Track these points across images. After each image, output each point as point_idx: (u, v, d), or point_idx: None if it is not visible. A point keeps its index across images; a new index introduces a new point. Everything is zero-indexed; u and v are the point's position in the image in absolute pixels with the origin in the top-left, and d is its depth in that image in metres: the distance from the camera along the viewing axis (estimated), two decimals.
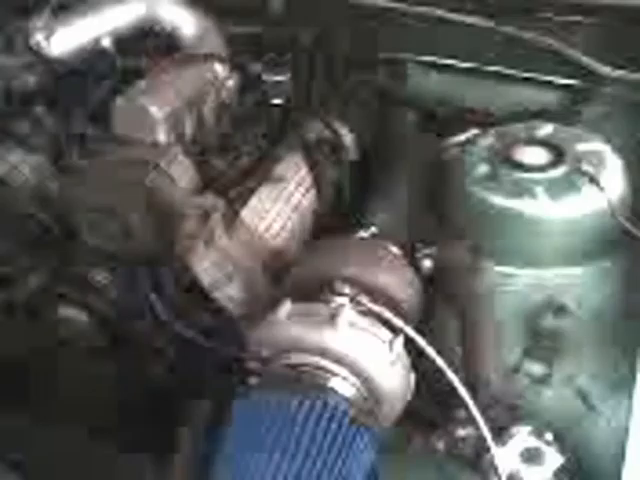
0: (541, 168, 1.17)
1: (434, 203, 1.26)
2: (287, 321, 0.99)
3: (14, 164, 1.30)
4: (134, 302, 1.24)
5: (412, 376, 1.00)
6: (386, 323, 1.00)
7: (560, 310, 1.08)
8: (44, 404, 1.22)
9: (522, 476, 0.92)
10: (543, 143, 1.21)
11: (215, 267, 1.21)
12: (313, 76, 1.49)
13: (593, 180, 1.14)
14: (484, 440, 0.90)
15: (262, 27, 1.62)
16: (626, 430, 0.89)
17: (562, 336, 1.07)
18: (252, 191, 1.27)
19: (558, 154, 1.19)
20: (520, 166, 1.18)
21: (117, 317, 1.26)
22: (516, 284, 1.14)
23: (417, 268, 1.12)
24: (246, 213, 1.24)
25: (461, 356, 1.05)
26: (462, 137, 1.39)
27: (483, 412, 0.91)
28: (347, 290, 1.03)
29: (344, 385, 0.95)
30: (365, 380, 0.95)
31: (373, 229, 1.15)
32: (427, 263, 1.12)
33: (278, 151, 1.35)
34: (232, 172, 1.31)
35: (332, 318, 0.97)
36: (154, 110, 1.28)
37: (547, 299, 1.11)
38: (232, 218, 1.24)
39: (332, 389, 0.94)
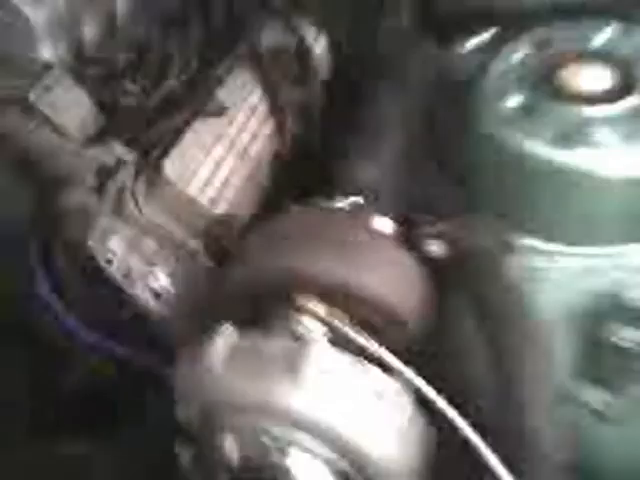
0: (604, 98, 0.79)
1: (438, 149, 0.88)
2: (224, 370, 0.63)
3: None
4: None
5: (425, 430, 0.66)
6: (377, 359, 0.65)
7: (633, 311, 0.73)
8: None
9: None
10: (606, 58, 0.82)
11: (126, 247, 0.84)
12: None
13: None
14: None
15: None
16: None
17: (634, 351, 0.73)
18: (179, 132, 0.88)
19: (628, 76, 0.80)
20: (572, 95, 0.79)
21: None
22: (564, 272, 0.79)
23: (421, 255, 0.76)
24: (170, 166, 0.85)
25: (492, 389, 0.71)
26: (476, 42, 0.98)
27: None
28: (317, 308, 0.67)
29: (312, 467, 0.61)
30: (348, 456, 0.61)
31: (355, 198, 0.78)
32: (436, 247, 0.76)
33: (217, 69, 0.93)
34: (150, 103, 0.90)
35: (293, 362, 0.62)
36: (29, 10, 0.86)
37: (611, 292, 0.76)
38: (149, 174, 0.86)
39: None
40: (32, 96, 0.78)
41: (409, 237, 0.77)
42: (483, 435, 0.65)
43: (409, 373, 0.65)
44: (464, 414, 0.65)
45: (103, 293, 0.85)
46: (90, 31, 0.92)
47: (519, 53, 0.85)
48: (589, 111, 0.78)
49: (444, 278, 0.77)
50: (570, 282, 0.78)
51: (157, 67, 0.90)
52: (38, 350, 0.94)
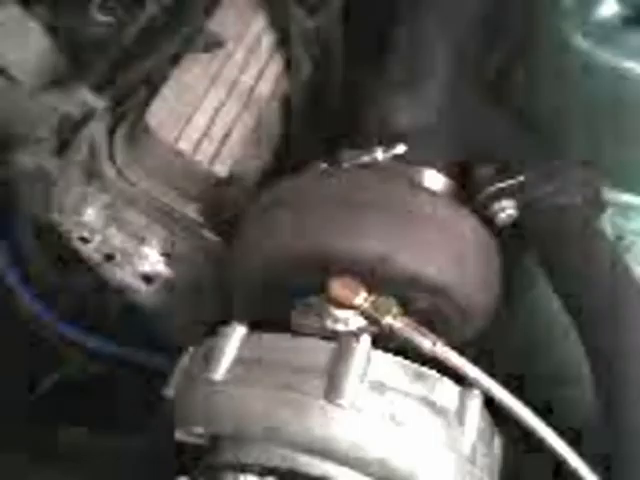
0: None
1: (497, 79, 0.68)
2: (234, 386, 0.46)
3: None
4: None
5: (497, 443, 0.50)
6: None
7: None
8: None
9: None
10: None
11: (106, 220, 0.66)
12: None
13: None
14: None
15: None
16: None
17: None
18: (163, 72, 0.69)
19: None
20: None
21: None
22: None
23: (487, 220, 0.58)
24: (155, 115, 0.66)
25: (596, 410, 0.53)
26: None
27: None
28: (359, 298, 0.49)
29: None
30: None
31: (395, 147, 0.59)
32: (506, 208, 0.58)
33: None
34: (125, 36, 0.70)
35: (331, 373, 0.45)
36: None
37: None
38: (129, 127, 0.67)
39: None
40: None
41: (471, 196, 0.59)
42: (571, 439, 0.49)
43: (479, 375, 0.48)
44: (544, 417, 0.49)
45: (80, 280, 0.68)
46: None
47: None
48: None
49: (516, 247, 0.60)
50: None
51: None
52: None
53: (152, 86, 0.68)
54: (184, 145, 0.68)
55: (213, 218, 0.70)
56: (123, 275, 0.67)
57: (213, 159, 0.70)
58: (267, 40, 0.77)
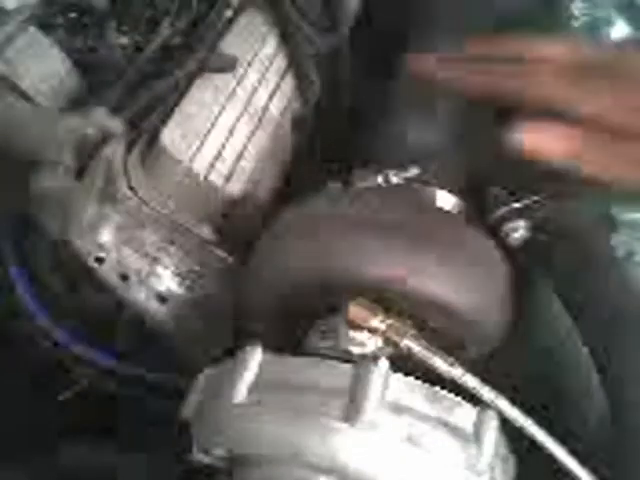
0: None
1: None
2: (252, 409, 0.47)
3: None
4: None
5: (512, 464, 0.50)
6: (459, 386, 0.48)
7: None
8: None
9: None
10: None
11: (121, 241, 0.67)
12: None
13: None
14: None
15: None
16: None
17: None
18: (178, 93, 0.70)
19: None
20: None
21: None
22: None
23: (501, 241, 0.58)
24: (170, 136, 0.67)
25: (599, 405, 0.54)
26: None
27: None
28: (377, 321, 0.50)
29: None
30: None
31: (413, 169, 0.60)
32: (518, 233, 0.58)
33: (223, 11, 0.75)
34: (141, 58, 0.71)
35: (352, 396, 0.45)
36: None
37: None
38: (144, 148, 0.68)
39: None
40: None
41: (484, 217, 0.60)
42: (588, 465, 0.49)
43: (494, 396, 0.49)
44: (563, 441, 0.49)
45: (95, 300, 0.69)
46: None
47: None
48: None
49: (530, 268, 0.60)
50: None
51: (146, 12, 0.72)
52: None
53: (167, 107, 0.69)
54: (198, 165, 0.69)
55: (227, 238, 0.71)
56: (137, 295, 0.67)
57: (227, 179, 0.71)
58: (279, 61, 0.78)
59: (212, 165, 0.70)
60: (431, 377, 0.50)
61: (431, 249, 0.52)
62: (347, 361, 0.49)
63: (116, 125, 0.64)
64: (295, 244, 0.55)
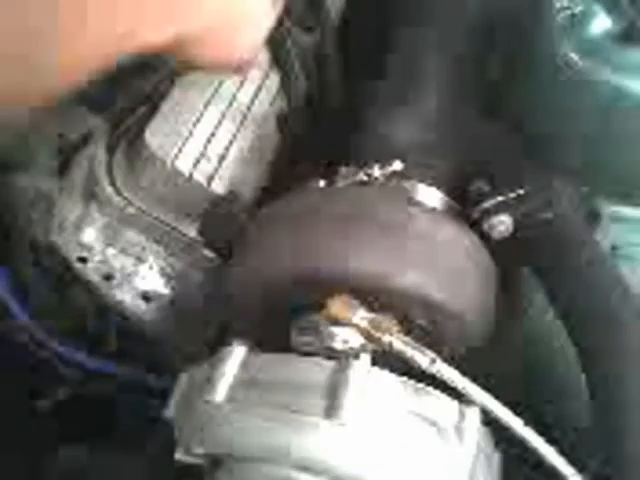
0: None
1: (494, 94, 0.69)
2: (233, 406, 0.46)
3: None
4: None
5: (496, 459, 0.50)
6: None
7: None
8: None
9: None
10: None
11: (105, 241, 0.67)
12: None
13: None
14: None
15: None
16: None
17: None
18: (161, 92, 0.69)
19: None
20: None
21: None
22: None
23: (483, 235, 0.58)
24: (153, 135, 0.67)
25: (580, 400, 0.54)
26: None
27: None
28: (358, 317, 0.50)
29: None
30: None
31: (395, 164, 0.59)
32: (502, 223, 0.58)
33: None
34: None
35: (331, 393, 0.45)
36: None
37: None
38: (127, 147, 0.68)
39: None
40: None
41: (466, 211, 0.59)
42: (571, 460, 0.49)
43: (476, 391, 0.48)
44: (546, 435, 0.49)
45: (79, 300, 0.69)
46: None
47: None
48: None
49: (512, 261, 0.60)
50: None
51: None
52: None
53: (150, 106, 0.69)
54: (182, 164, 0.68)
55: (211, 236, 0.70)
56: (122, 295, 0.67)
57: (211, 178, 0.70)
58: (263, 59, 0.78)
59: (196, 164, 0.69)
60: (416, 374, 0.50)
61: (412, 246, 0.51)
62: (329, 358, 0.49)
63: (98, 124, 0.64)
64: (275, 242, 0.54)
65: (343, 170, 0.60)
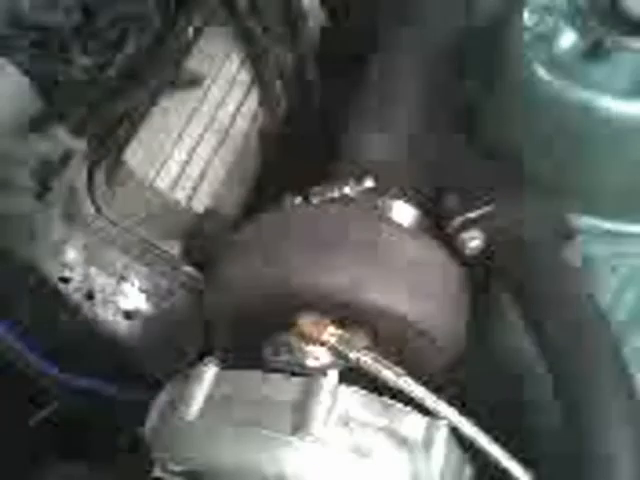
0: None
1: (467, 111, 0.70)
2: (205, 422, 0.47)
3: None
4: None
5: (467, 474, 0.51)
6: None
7: None
8: None
9: None
10: None
11: (86, 260, 0.67)
12: None
13: None
14: None
15: None
16: None
17: None
18: (141, 112, 0.70)
19: None
20: None
21: None
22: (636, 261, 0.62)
23: (455, 251, 0.59)
24: (133, 155, 0.68)
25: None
26: None
27: None
28: (327, 334, 0.50)
29: None
30: None
31: (366, 181, 0.60)
32: (474, 239, 0.59)
33: (184, 30, 0.76)
34: (103, 77, 0.72)
35: (300, 410, 0.46)
36: None
37: None
38: (107, 167, 0.69)
39: None
40: None
41: (439, 228, 0.60)
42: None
43: (441, 407, 0.49)
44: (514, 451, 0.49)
45: (61, 319, 0.69)
46: None
47: None
48: None
49: (484, 277, 0.61)
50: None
51: (110, 32, 0.73)
52: None
53: (130, 125, 0.70)
54: (162, 183, 0.69)
55: (192, 253, 0.71)
56: (104, 313, 0.68)
57: (191, 196, 0.71)
58: (243, 76, 0.79)
59: (176, 182, 0.70)
60: (387, 393, 0.51)
61: (381, 261, 0.52)
62: (300, 374, 0.50)
63: (77, 145, 0.65)
64: (249, 257, 0.55)
65: (317, 188, 0.61)
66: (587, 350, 0.52)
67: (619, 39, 0.59)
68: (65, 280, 0.67)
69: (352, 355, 0.49)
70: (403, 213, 0.60)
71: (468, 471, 0.51)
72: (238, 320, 0.57)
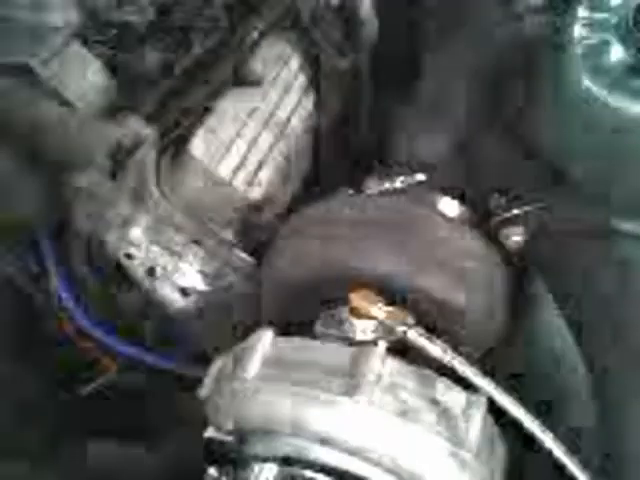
0: None
1: (510, 116, 0.74)
2: (263, 385, 0.51)
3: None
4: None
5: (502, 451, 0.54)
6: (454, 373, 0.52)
7: None
8: None
9: None
10: None
11: (149, 239, 0.72)
12: None
13: None
14: None
15: None
16: None
17: None
18: (207, 105, 0.76)
19: None
20: None
21: None
22: None
23: (498, 244, 0.63)
24: (198, 144, 0.73)
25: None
26: None
27: None
28: (376, 310, 0.54)
29: None
30: None
31: (416, 176, 0.65)
32: (515, 235, 0.63)
33: (250, 32, 0.81)
34: (174, 72, 0.78)
35: (350, 375, 0.50)
36: None
37: None
38: (174, 154, 0.74)
39: None
40: (35, 63, 0.66)
41: (483, 224, 0.64)
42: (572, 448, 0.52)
43: (483, 381, 0.52)
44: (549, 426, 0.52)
45: (124, 292, 0.74)
46: None
47: None
48: None
49: (524, 271, 0.64)
50: None
51: (180, 31, 0.78)
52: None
53: (197, 117, 0.75)
54: (223, 171, 0.74)
55: (247, 239, 0.76)
56: (162, 288, 0.73)
57: (248, 185, 0.76)
58: (301, 79, 0.84)
59: (235, 172, 0.75)
60: (432, 366, 0.54)
61: (427, 250, 0.57)
62: (350, 345, 0.54)
63: (149, 132, 0.70)
64: (304, 241, 0.60)
65: (370, 180, 0.65)
66: (626, 350, 0.55)
67: None
68: (129, 256, 0.72)
69: (399, 329, 0.53)
70: (450, 208, 0.64)
71: (501, 444, 0.54)
72: (294, 298, 0.61)
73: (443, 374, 0.54)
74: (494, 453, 0.53)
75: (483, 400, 0.52)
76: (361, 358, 0.51)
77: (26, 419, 0.84)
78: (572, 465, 0.51)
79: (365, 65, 0.85)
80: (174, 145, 0.74)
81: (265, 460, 0.51)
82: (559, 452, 0.51)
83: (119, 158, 0.68)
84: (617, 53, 0.67)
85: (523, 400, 0.56)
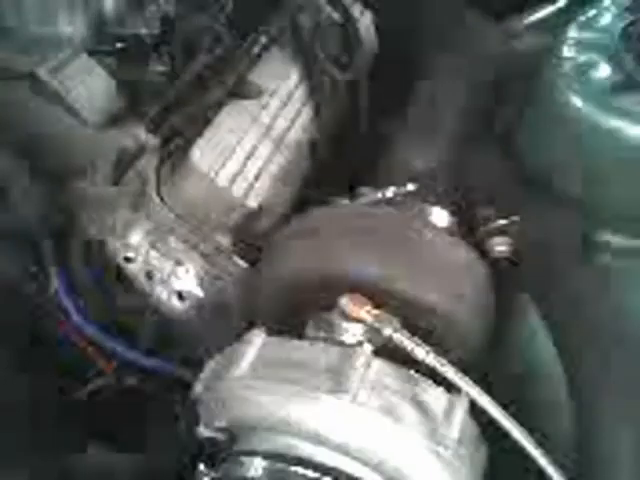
0: None
1: (502, 131, 0.76)
2: (254, 382, 0.53)
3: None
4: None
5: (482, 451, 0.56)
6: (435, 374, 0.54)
7: None
8: None
9: None
10: None
11: (149, 244, 0.75)
12: None
13: None
14: None
15: None
16: None
17: None
18: (209, 116, 0.78)
19: None
20: None
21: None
22: None
23: (484, 253, 0.65)
24: (199, 153, 0.76)
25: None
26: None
27: None
28: (364, 313, 0.56)
29: None
30: None
31: (408, 186, 0.67)
32: (501, 244, 0.65)
33: (252, 46, 0.84)
34: (177, 83, 0.81)
35: (337, 374, 0.52)
36: None
37: None
38: (175, 162, 0.76)
39: None
40: (42, 72, 0.69)
41: (470, 232, 0.66)
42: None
43: (464, 382, 0.54)
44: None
45: (123, 295, 0.77)
46: (112, 4, 0.83)
47: (605, 17, 0.73)
48: None
49: (509, 279, 0.67)
50: None
51: (185, 43, 0.81)
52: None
53: (198, 127, 0.77)
54: (222, 180, 0.77)
55: (244, 246, 0.78)
56: (160, 292, 0.75)
57: (246, 193, 0.78)
58: (300, 92, 0.87)
59: (233, 180, 0.78)
60: (420, 369, 0.56)
61: (413, 256, 0.59)
62: (339, 345, 0.56)
63: (152, 140, 0.73)
64: (298, 246, 0.62)
65: (362, 190, 0.68)
66: (597, 350, 0.57)
67: None
68: (129, 260, 0.74)
69: (386, 331, 0.55)
70: (439, 218, 0.67)
71: (483, 450, 0.56)
72: (283, 302, 0.63)
73: (432, 377, 0.56)
74: (475, 452, 0.54)
75: (464, 401, 0.54)
76: (347, 358, 0.53)
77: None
78: (549, 466, 0.53)
79: (364, 81, 0.88)
80: (175, 153, 0.76)
81: (254, 456, 0.53)
82: (537, 453, 0.52)
83: (122, 165, 0.71)
84: (604, 72, 0.70)
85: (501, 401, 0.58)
